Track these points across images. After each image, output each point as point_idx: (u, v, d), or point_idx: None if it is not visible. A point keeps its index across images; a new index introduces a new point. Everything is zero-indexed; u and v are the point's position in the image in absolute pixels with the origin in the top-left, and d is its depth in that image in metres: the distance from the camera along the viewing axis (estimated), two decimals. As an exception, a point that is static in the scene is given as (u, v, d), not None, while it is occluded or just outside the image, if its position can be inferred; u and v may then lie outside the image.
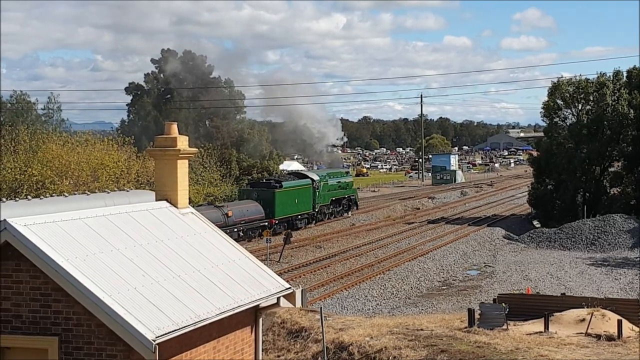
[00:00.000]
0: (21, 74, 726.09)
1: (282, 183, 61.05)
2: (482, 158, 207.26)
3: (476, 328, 22.43)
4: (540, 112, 72.66)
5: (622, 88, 67.88)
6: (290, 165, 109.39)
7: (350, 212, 73.25)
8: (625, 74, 69.44)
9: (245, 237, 54.15)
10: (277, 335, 23.10)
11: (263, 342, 16.45)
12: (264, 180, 64.12)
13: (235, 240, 57.52)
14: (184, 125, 73.50)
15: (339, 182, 71.50)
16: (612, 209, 63.74)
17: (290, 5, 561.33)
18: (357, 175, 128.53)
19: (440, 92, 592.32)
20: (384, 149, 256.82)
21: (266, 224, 56.89)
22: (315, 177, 66.48)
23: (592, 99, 68.93)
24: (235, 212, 53.71)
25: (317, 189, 65.62)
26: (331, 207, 69.79)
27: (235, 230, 52.96)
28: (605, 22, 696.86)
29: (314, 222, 65.79)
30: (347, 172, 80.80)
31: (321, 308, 22.61)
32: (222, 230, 54.20)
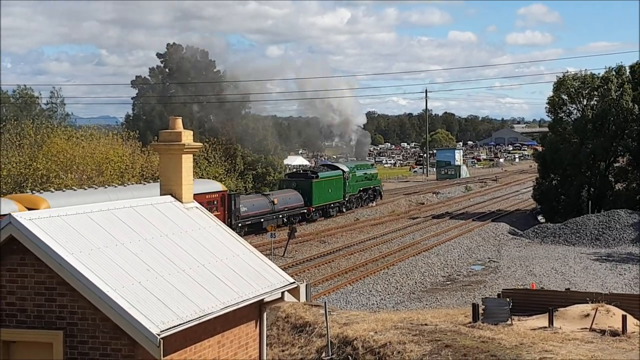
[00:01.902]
0: (26, 69, 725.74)
1: (318, 174, 65.88)
2: (486, 153, 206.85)
3: (480, 323, 22.40)
4: (545, 107, 72.64)
5: (626, 83, 67.68)
6: (295, 160, 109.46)
7: (374, 202, 77.93)
8: (628, 69, 69.25)
9: (288, 222, 58.30)
10: (282, 330, 23.11)
11: (267, 336, 16.46)
12: (302, 171, 70.31)
13: (280, 226, 61.40)
14: (189, 119, 73.48)
15: (366, 173, 76.81)
16: (617, 204, 63.54)
17: (295, 0, 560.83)
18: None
19: (445, 87, 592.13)
20: (389, 144, 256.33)
21: (305, 211, 62.44)
22: (346, 169, 71.46)
23: (597, 94, 68.79)
24: (279, 200, 58.63)
25: (347, 179, 70.59)
26: (359, 196, 74.66)
27: (280, 216, 58.02)
28: (610, 17, 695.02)
29: (344, 209, 70.48)
30: (373, 165, 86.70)
31: (325, 303, 22.63)
32: (270, 216, 57.97)
